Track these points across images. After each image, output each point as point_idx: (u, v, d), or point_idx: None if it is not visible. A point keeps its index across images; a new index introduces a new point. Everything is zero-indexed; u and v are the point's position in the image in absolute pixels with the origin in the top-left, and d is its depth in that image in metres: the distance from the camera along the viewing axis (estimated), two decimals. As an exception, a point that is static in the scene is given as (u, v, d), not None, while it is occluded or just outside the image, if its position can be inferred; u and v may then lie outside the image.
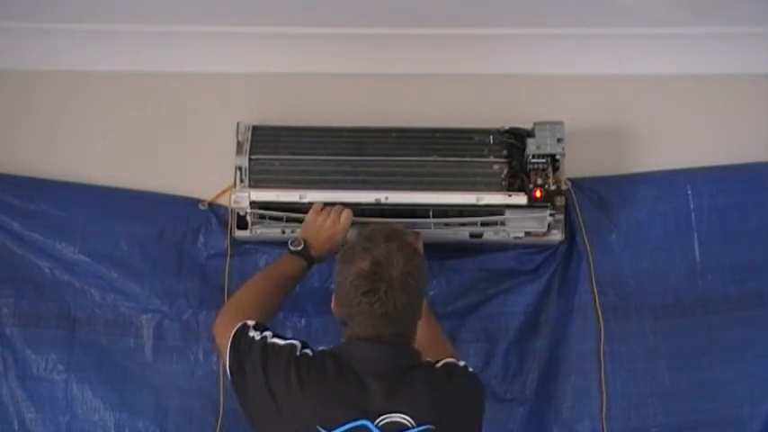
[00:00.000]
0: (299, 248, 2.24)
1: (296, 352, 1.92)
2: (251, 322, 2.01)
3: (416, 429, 1.84)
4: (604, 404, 2.38)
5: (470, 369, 2.00)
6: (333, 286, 2.01)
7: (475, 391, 1.97)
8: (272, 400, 1.88)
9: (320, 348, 1.96)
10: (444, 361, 1.97)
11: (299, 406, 1.86)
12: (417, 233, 2.31)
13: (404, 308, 1.90)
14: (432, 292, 2.44)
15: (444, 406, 1.88)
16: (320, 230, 2.26)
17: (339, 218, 2.26)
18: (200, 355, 2.43)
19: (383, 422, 1.83)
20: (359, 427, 1.82)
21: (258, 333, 1.98)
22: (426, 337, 2.10)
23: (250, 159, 2.37)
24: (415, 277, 1.92)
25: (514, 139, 2.39)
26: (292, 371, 1.88)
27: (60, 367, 2.42)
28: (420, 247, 2.25)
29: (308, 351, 1.93)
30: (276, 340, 1.95)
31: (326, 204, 2.31)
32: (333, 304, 1.99)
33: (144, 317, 2.45)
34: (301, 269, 2.25)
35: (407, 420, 1.84)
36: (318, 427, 1.83)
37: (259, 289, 2.19)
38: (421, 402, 1.86)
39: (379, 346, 1.90)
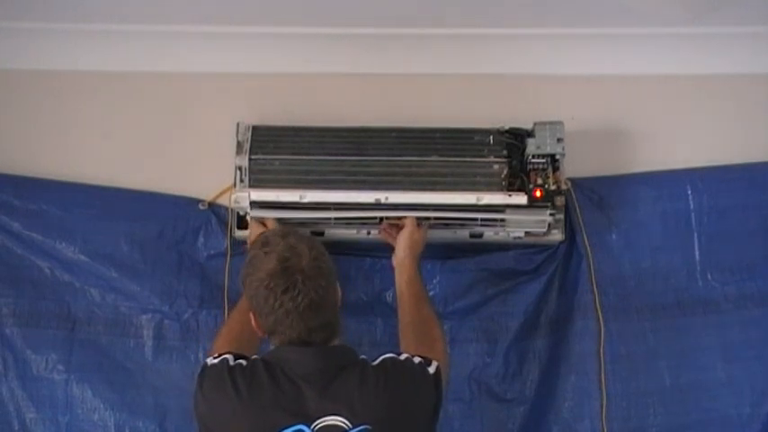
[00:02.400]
0: None
1: (229, 363, 1.91)
2: (209, 360, 1.97)
3: (353, 431, 1.82)
4: (604, 404, 2.38)
5: (417, 360, 1.95)
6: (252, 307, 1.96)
7: (419, 383, 1.92)
8: (212, 418, 1.88)
9: (252, 357, 1.94)
10: (383, 357, 1.94)
11: (237, 415, 1.85)
12: (423, 224, 2.32)
13: (325, 293, 1.89)
14: (432, 293, 2.44)
15: (382, 404, 1.85)
16: None
17: None
18: (200, 355, 2.42)
19: (319, 426, 1.82)
20: (296, 431, 1.82)
21: (210, 360, 1.96)
22: (413, 324, 2.10)
23: (250, 159, 2.37)
24: (324, 261, 1.92)
25: (514, 139, 2.39)
26: (228, 382, 1.87)
27: (60, 367, 2.42)
28: (422, 238, 2.28)
29: (241, 361, 1.92)
30: (214, 360, 1.94)
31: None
32: (253, 323, 1.95)
33: (144, 317, 2.45)
34: None
35: (343, 423, 1.82)
36: None
37: (237, 314, 2.19)
38: (356, 403, 1.84)
39: (308, 349, 1.89)
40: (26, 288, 2.46)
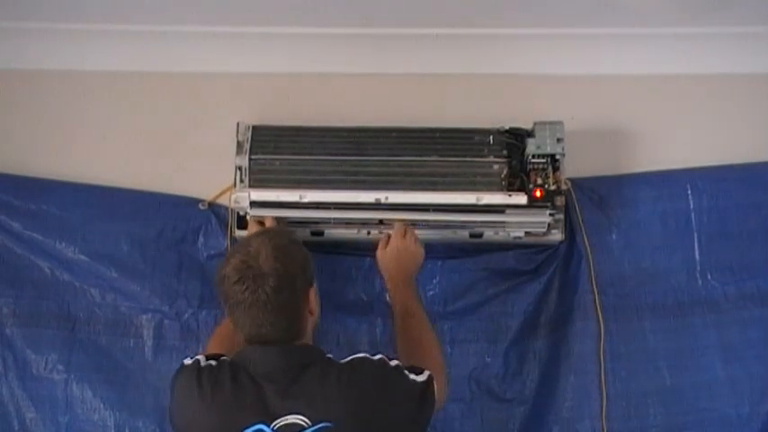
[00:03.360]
0: None
1: (199, 364, 1.93)
2: (185, 360, 1.99)
3: (312, 428, 1.82)
4: (604, 404, 2.38)
5: (393, 363, 1.92)
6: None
7: (393, 386, 1.89)
8: (180, 417, 1.91)
9: (222, 357, 1.96)
10: (353, 356, 1.94)
11: (200, 416, 1.87)
12: (408, 227, 2.31)
13: (276, 292, 1.88)
14: (431, 293, 2.45)
15: (344, 401, 1.84)
16: None
17: None
18: (201, 355, 2.43)
19: (279, 425, 1.82)
20: (256, 431, 1.82)
21: (186, 361, 1.98)
22: (405, 340, 2.10)
23: (250, 159, 2.37)
24: (283, 261, 1.90)
25: (514, 139, 2.39)
26: (194, 382, 1.89)
27: (60, 367, 2.42)
28: (410, 240, 2.27)
29: (211, 362, 1.94)
30: (186, 361, 1.96)
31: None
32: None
33: (144, 317, 2.45)
34: None
35: (303, 420, 1.82)
36: None
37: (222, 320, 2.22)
38: (316, 400, 1.84)
39: (270, 348, 1.90)
40: (26, 288, 2.47)
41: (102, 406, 2.40)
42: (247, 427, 1.82)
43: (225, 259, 1.96)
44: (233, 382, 1.87)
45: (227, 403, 1.86)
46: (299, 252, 1.98)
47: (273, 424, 1.82)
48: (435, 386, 1.95)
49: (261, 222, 2.34)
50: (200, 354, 2.00)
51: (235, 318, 1.92)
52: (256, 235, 2.03)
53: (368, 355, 1.94)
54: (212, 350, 2.07)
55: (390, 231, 2.32)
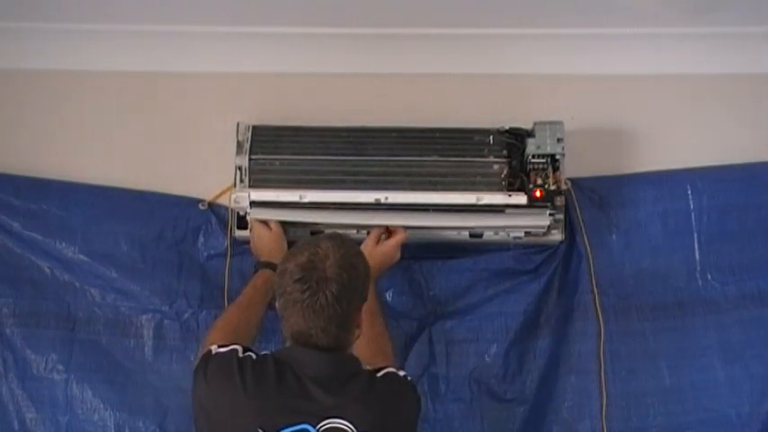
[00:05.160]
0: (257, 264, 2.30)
1: (238, 354, 1.93)
2: (213, 348, 1.97)
3: None
4: (604, 404, 2.38)
5: (409, 379, 2.02)
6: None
7: (412, 402, 1.99)
8: (214, 405, 1.89)
9: (263, 352, 1.96)
10: (386, 370, 1.97)
11: (241, 408, 1.86)
12: (400, 230, 2.32)
13: (336, 301, 1.87)
14: (431, 293, 2.45)
15: (384, 415, 1.89)
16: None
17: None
18: (201, 355, 2.43)
19: (325, 427, 1.84)
20: (300, 430, 1.83)
21: (215, 348, 1.97)
22: (367, 338, 2.10)
23: (250, 159, 2.37)
24: (348, 272, 1.90)
25: (514, 139, 2.39)
26: (236, 374, 1.88)
27: (60, 367, 2.42)
28: (396, 244, 2.29)
29: (250, 354, 1.94)
30: (220, 349, 1.95)
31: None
32: (278, 304, 1.96)
33: (144, 317, 2.45)
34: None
35: (348, 427, 1.84)
36: (260, 430, 1.83)
37: (235, 309, 2.21)
38: (362, 410, 1.86)
39: (321, 353, 1.90)
40: (26, 288, 2.46)
41: (102, 406, 2.40)
42: (291, 425, 1.83)
43: (290, 253, 1.95)
44: (278, 379, 1.87)
45: (271, 398, 1.86)
46: (365, 266, 1.97)
47: (319, 426, 1.84)
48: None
49: (266, 224, 2.34)
50: (231, 344, 1.96)
51: (287, 313, 1.91)
52: (327, 237, 2.01)
53: (396, 371, 1.99)
54: (223, 341, 2.02)
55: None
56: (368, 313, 2.09)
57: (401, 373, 2.00)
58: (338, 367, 1.91)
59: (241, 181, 2.39)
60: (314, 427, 1.83)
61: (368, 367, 1.96)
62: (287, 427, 1.83)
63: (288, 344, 1.94)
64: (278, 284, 1.93)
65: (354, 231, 2.39)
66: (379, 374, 1.96)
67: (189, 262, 2.48)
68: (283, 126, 2.44)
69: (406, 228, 2.34)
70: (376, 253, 2.27)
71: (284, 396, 1.86)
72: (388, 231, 2.34)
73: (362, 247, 2.20)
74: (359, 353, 2.02)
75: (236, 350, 1.94)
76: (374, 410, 1.88)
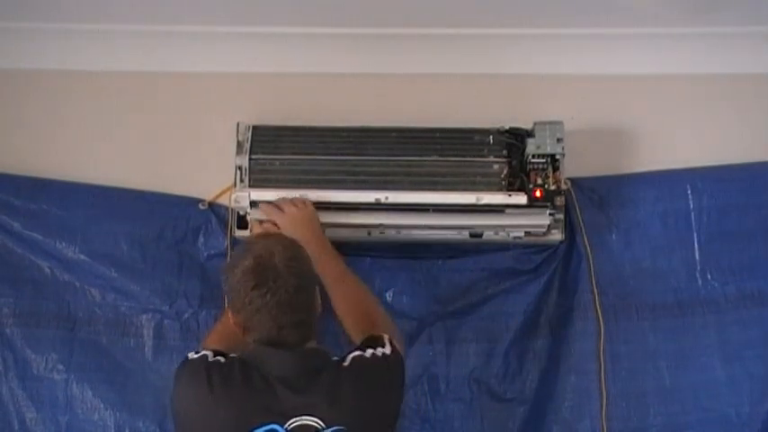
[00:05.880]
0: None
1: (207, 359, 1.93)
2: (190, 354, 1.99)
3: (327, 431, 1.85)
4: (604, 404, 2.39)
5: (380, 352, 1.98)
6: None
7: (387, 375, 1.96)
8: (186, 410, 1.92)
9: (231, 355, 1.96)
10: (351, 356, 1.96)
11: (211, 412, 1.87)
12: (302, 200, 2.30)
13: (296, 292, 1.89)
14: (431, 293, 2.45)
15: (355, 404, 1.89)
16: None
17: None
18: (201, 355, 2.43)
19: (293, 425, 1.84)
20: (269, 430, 1.84)
21: (191, 354, 1.98)
22: (346, 302, 2.12)
23: (250, 159, 2.37)
24: (299, 261, 1.92)
25: (514, 139, 2.39)
26: (204, 379, 1.89)
27: (60, 367, 2.42)
28: (307, 211, 2.26)
29: (219, 358, 1.94)
30: (194, 355, 1.96)
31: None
32: (231, 317, 1.97)
33: (144, 317, 2.45)
34: None
35: (317, 423, 1.85)
36: None
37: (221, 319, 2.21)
38: (331, 404, 1.86)
39: (286, 352, 1.90)
40: (26, 288, 2.46)
41: (102, 406, 2.40)
42: (259, 426, 1.84)
43: (231, 267, 1.94)
44: (245, 381, 1.88)
45: (238, 401, 1.86)
46: (305, 251, 1.99)
47: (287, 424, 1.84)
48: (396, 344, 2.02)
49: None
50: (206, 349, 1.99)
51: (252, 323, 1.91)
52: (259, 238, 2.04)
53: (362, 354, 1.96)
54: (211, 347, 2.05)
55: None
56: (338, 282, 2.14)
57: (368, 353, 1.96)
58: (304, 364, 1.91)
59: (241, 181, 2.39)
60: (282, 425, 1.84)
61: (335, 358, 1.96)
62: (256, 427, 1.84)
63: (252, 345, 1.95)
64: (232, 302, 1.93)
65: (354, 231, 2.39)
66: (346, 363, 1.94)
67: (189, 262, 2.48)
68: (283, 126, 2.44)
69: (406, 227, 2.34)
70: (301, 216, 2.26)
71: (252, 397, 1.87)
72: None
73: (288, 219, 2.22)
74: (347, 329, 2.05)
75: (206, 355, 1.95)
76: (342, 404, 1.87)
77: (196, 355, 1.95)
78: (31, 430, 2.41)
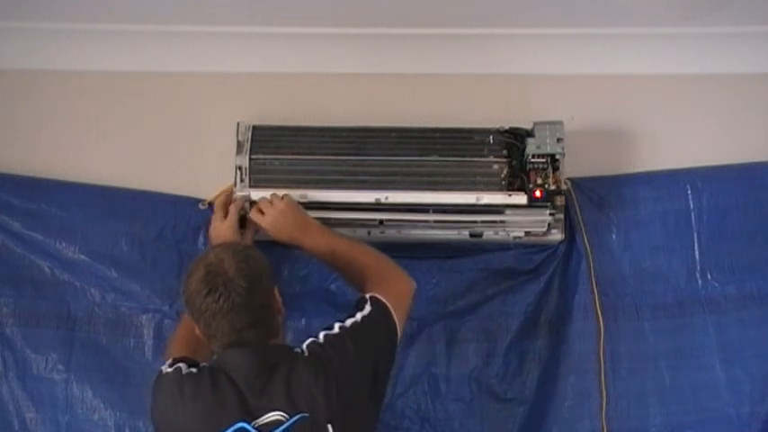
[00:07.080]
0: None
1: (182, 372, 1.96)
2: (164, 368, 2.01)
3: (291, 421, 1.87)
4: (604, 404, 2.39)
5: (337, 328, 1.99)
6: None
7: (350, 347, 1.96)
8: (163, 423, 1.95)
9: (202, 364, 1.98)
10: (307, 343, 1.97)
11: (184, 423, 1.91)
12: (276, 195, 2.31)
13: (248, 294, 1.91)
14: (431, 292, 2.44)
15: (316, 391, 1.89)
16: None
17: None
18: (200, 355, 2.42)
19: (261, 423, 1.87)
20: (238, 429, 1.86)
21: (165, 368, 2.00)
22: (351, 275, 2.15)
23: (250, 159, 2.37)
24: (248, 263, 1.95)
25: (514, 139, 2.39)
26: (176, 389, 1.93)
27: (60, 367, 2.42)
28: (282, 205, 2.27)
29: (192, 369, 1.97)
30: (168, 369, 1.98)
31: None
32: (196, 329, 2.00)
33: (144, 316, 2.45)
34: None
35: (282, 416, 1.87)
36: None
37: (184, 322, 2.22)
38: (289, 395, 1.89)
39: (244, 350, 1.93)
40: (26, 288, 2.46)
41: (102, 406, 2.40)
42: (228, 428, 1.86)
43: (185, 279, 1.98)
44: (213, 388, 1.91)
45: (208, 408, 1.90)
46: (258, 254, 2.02)
47: (254, 423, 1.87)
48: (384, 300, 2.03)
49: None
50: (176, 359, 2.00)
51: (212, 330, 1.94)
52: (210, 248, 2.09)
53: (316, 339, 1.97)
54: (180, 352, 2.07)
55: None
56: (335, 255, 2.17)
57: (321, 335, 1.96)
58: (264, 360, 1.93)
59: (241, 181, 2.39)
60: (249, 423, 1.87)
61: (297, 349, 1.96)
62: (225, 429, 1.86)
63: (219, 352, 1.97)
64: (191, 312, 1.97)
65: (354, 231, 2.39)
66: (305, 350, 1.95)
67: (189, 262, 2.44)
68: (283, 126, 2.44)
69: (407, 227, 2.34)
70: (281, 213, 2.27)
71: (221, 402, 1.89)
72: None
73: (269, 222, 2.26)
74: (356, 284, 2.10)
75: (179, 368, 1.97)
76: (300, 392, 1.89)
77: (170, 369, 1.98)
78: (30, 430, 2.40)
